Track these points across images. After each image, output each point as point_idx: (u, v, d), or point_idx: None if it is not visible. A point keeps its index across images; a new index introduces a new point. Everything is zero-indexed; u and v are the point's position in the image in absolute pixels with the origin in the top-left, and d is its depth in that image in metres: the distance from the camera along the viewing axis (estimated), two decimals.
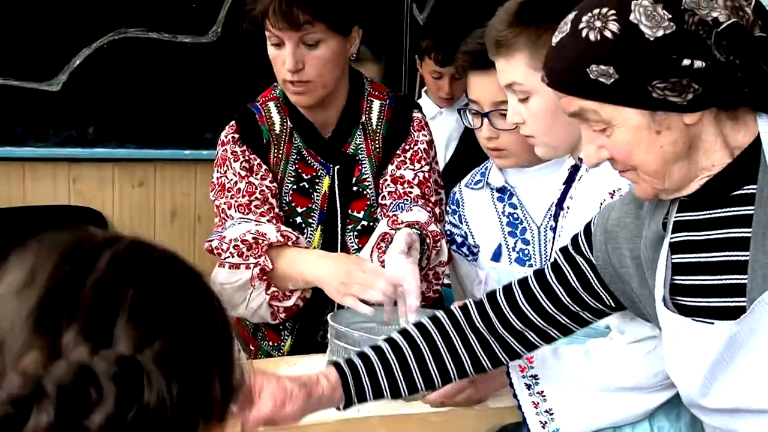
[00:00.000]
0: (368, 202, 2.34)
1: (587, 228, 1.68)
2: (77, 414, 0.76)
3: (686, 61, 1.35)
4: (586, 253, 1.67)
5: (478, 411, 1.96)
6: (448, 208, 2.43)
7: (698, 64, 1.35)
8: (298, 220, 2.36)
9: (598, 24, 1.39)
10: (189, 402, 0.80)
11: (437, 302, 2.42)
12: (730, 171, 1.44)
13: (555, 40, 1.47)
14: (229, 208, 2.30)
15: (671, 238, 1.52)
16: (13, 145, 4.46)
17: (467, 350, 1.73)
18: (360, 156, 2.34)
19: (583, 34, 1.40)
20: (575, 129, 1.93)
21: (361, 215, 2.34)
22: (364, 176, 2.34)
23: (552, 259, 1.73)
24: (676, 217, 1.52)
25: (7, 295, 0.81)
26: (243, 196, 2.29)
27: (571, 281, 1.68)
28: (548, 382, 1.85)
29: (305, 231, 2.35)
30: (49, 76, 4.48)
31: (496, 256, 2.30)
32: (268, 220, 2.26)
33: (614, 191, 1.84)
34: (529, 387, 1.85)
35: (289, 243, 2.21)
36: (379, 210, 2.32)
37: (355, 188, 2.34)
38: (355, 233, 2.34)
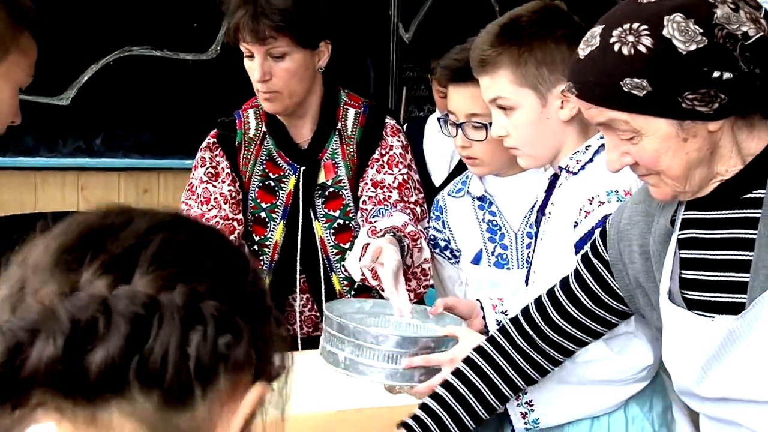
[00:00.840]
0: (344, 202, 2.37)
1: (603, 230, 1.68)
2: (82, 348, 0.69)
3: (716, 73, 1.34)
4: (602, 253, 1.66)
5: None
6: (432, 215, 2.43)
7: (727, 75, 1.34)
8: (263, 215, 2.39)
9: (630, 39, 1.36)
10: (210, 353, 0.72)
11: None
12: (742, 176, 1.44)
13: (583, 53, 1.43)
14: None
15: (679, 234, 1.52)
16: (26, 156, 4.45)
17: (516, 370, 1.74)
18: (336, 160, 2.36)
19: (616, 48, 1.37)
20: (555, 140, 1.94)
21: (337, 214, 2.37)
22: (340, 178, 2.37)
23: (574, 268, 1.72)
24: (684, 214, 1.52)
25: (41, 241, 0.77)
26: (201, 204, 2.34)
27: (591, 286, 1.67)
28: None
29: (269, 225, 2.38)
30: (59, 91, 4.47)
31: (477, 260, 2.30)
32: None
33: (593, 198, 1.84)
34: None
35: None
36: (359, 214, 2.33)
37: (332, 189, 2.37)
38: (332, 230, 2.37)
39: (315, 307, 2.43)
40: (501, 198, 2.29)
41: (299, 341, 2.41)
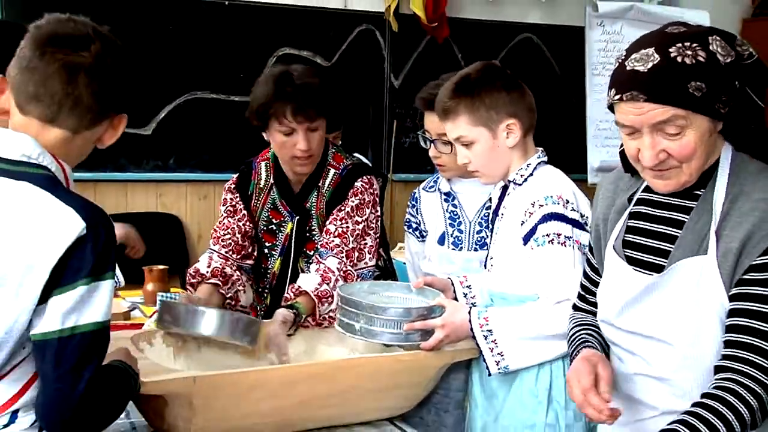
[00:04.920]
0: (316, 246, 2.24)
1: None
2: None
3: (736, 83, 1.31)
4: (593, 262, 1.61)
5: (437, 351, 1.89)
6: (409, 203, 2.40)
7: (737, 85, 1.32)
8: (266, 251, 2.31)
9: (689, 52, 1.29)
10: None
11: (390, 275, 2.41)
12: (700, 177, 1.40)
13: (644, 67, 1.31)
14: (211, 238, 2.29)
15: (632, 209, 1.49)
16: (119, 171, 4.45)
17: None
18: (312, 212, 2.26)
19: (679, 59, 1.29)
20: (505, 162, 1.94)
21: (311, 253, 2.24)
22: (314, 228, 2.26)
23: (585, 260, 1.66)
24: (640, 195, 1.48)
25: None
26: (222, 230, 2.28)
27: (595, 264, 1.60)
28: (499, 333, 1.83)
29: (270, 259, 2.31)
30: (144, 124, 4.47)
31: (440, 240, 2.27)
32: (227, 250, 2.25)
33: (534, 202, 1.85)
34: (485, 338, 1.82)
35: (219, 279, 2.19)
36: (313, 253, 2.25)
37: (308, 234, 2.26)
38: (309, 265, 2.22)
39: None
40: (462, 195, 2.27)
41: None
